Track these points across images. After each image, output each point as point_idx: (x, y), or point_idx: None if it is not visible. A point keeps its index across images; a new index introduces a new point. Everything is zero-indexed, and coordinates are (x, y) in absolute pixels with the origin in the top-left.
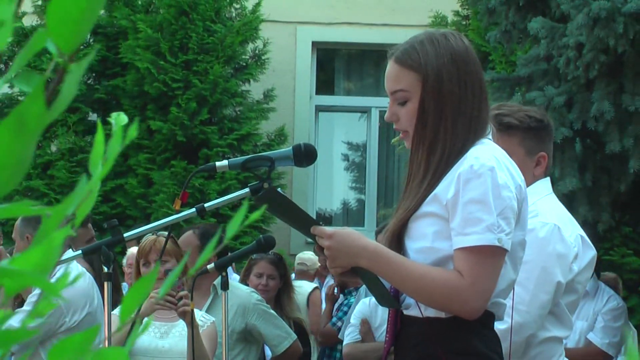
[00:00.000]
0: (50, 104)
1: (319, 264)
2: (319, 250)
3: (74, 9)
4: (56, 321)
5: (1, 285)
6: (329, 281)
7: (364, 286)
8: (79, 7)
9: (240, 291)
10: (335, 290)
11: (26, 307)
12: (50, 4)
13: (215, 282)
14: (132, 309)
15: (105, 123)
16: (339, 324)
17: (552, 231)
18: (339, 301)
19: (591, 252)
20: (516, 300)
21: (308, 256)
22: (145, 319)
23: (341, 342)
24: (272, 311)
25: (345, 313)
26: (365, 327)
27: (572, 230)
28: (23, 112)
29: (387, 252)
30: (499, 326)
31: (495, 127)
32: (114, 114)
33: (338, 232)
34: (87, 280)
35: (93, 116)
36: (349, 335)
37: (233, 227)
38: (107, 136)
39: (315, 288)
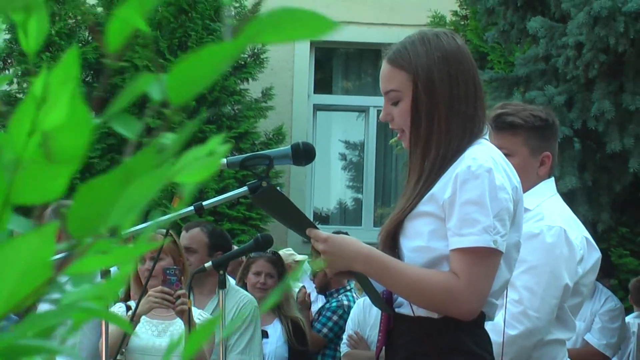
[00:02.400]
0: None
1: (295, 260)
2: (314, 252)
3: (197, 72)
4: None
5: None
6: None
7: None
8: (202, 71)
9: (242, 295)
10: (313, 295)
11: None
12: (181, 62)
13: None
14: (196, 347)
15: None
16: (324, 330)
17: (558, 234)
18: (321, 304)
19: (596, 254)
20: (527, 306)
21: (284, 252)
22: (166, 322)
23: (327, 345)
24: (258, 332)
25: (329, 318)
26: (354, 341)
27: (577, 232)
28: (132, 166)
29: (381, 256)
30: (513, 332)
31: (498, 127)
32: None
33: (332, 237)
34: None
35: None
36: (345, 344)
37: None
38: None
39: (302, 287)
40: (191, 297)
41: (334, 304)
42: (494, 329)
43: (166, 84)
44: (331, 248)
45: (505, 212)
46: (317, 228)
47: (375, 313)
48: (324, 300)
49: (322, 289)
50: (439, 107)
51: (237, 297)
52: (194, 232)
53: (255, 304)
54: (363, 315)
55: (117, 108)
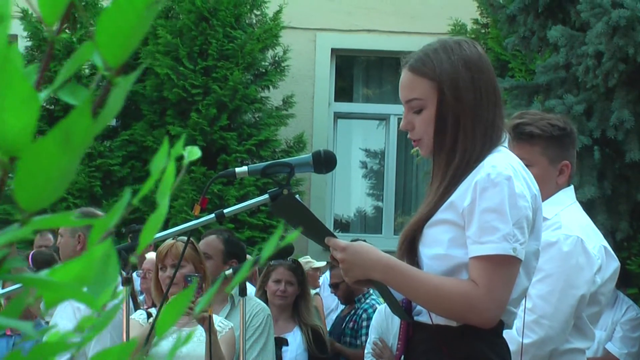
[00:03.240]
0: (95, 117)
1: (312, 267)
2: (333, 261)
3: (124, 24)
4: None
5: (40, 296)
6: None
7: None
8: (129, 22)
9: (254, 303)
10: (334, 303)
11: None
12: (101, 17)
13: (232, 292)
14: (169, 324)
15: (125, 128)
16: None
17: (575, 244)
18: (355, 314)
19: (614, 264)
20: (539, 314)
21: (301, 260)
22: (189, 330)
23: None
24: (271, 339)
25: (367, 327)
26: (379, 348)
27: (595, 242)
28: (69, 125)
29: (400, 265)
30: (525, 340)
31: (517, 137)
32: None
33: (351, 245)
34: None
35: (112, 121)
36: (369, 354)
37: (269, 248)
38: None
39: (316, 294)
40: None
41: (370, 312)
42: (508, 337)
43: (97, 46)
44: (350, 257)
45: (524, 220)
46: (335, 237)
47: (398, 320)
48: (356, 308)
49: (348, 299)
50: (463, 114)
51: (250, 305)
52: (210, 238)
53: (268, 312)
54: (386, 323)
55: (63, 79)
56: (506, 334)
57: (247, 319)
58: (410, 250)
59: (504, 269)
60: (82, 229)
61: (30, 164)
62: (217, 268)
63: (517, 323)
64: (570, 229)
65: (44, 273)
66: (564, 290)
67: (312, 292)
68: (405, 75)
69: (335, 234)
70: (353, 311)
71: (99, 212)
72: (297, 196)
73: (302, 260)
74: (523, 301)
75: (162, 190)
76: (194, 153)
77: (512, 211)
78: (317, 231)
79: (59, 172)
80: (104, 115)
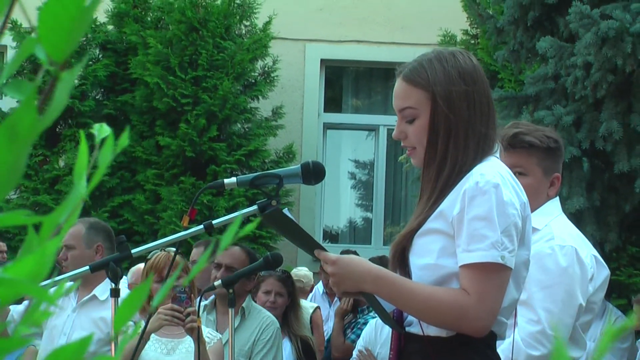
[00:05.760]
0: (42, 112)
1: (313, 280)
2: (323, 274)
3: (65, 17)
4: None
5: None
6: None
7: None
8: (70, 15)
9: (265, 316)
10: (325, 312)
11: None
12: (42, 12)
13: (244, 305)
14: (126, 318)
15: (114, 139)
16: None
17: (571, 254)
18: (353, 319)
19: (605, 272)
20: (546, 326)
21: (303, 272)
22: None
23: None
24: (281, 352)
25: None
26: (364, 357)
27: (587, 251)
28: (15, 121)
29: (390, 276)
30: (534, 352)
31: (514, 145)
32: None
33: (341, 258)
34: None
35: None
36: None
37: (227, 238)
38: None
39: (317, 308)
40: (205, 316)
41: (369, 319)
42: (516, 348)
43: (40, 41)
44: (340, 270)
45: (513, 228)
46: (325, 249)
47: (387, 331)
48: (358, 317)
49: (354, 307)
50: (456, 125)
51: (260, 318)
52: (235, 250)
53: (277, 324)
54: (374, 334)
55: (8, 75)
56: (511, 344)
57: (257, 332)
58: (401, 261)
59: (494, 276)
60: (100, 239)
61: None
62: (240, 282)
63: (521, 334)
64: (563, 239)
65: None
66: (565, 301)
67: (313, 305)
68: (399, 84)
69: (324, 245)
70: (354, 320)
71: (105, 224)
72: (285, 210)
73: (300, 271)
74: (526, 312)
75: (78, 171)
76: (104, 130)
77: (500, 219)
78: (306, 243)
79: (6, 167)
80: (51, 109)
